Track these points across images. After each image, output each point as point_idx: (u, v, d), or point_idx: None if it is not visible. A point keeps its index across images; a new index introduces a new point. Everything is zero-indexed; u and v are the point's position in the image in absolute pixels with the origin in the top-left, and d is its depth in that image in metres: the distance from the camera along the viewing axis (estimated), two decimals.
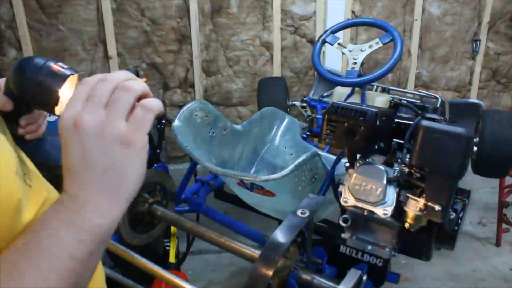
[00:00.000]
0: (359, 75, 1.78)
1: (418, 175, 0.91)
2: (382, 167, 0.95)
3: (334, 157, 1.46)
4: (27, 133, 0.66)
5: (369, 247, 0.99)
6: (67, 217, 0.39)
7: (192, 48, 2.42)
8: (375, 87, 2.09)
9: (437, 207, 0.86)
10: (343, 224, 1.01)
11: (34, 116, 0.67)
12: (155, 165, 1.55)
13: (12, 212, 0.41)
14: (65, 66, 0.57)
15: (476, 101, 2.10)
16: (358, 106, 0.97)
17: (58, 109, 0.56)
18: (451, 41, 2.62)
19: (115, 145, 0.39)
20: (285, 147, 1.79)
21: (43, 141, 0.72)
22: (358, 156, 1.02)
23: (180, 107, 1.61)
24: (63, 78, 0.55)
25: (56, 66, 0.57)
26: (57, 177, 0.45)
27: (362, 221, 1.01)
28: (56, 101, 0.55)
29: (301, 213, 0.90)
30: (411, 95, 2.07)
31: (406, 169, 0.92)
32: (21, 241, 0.39)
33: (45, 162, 0.68)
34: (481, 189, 2.43)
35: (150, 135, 1.83)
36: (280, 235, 0.83)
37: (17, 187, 0.42)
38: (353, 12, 2.49)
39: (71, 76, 0.56)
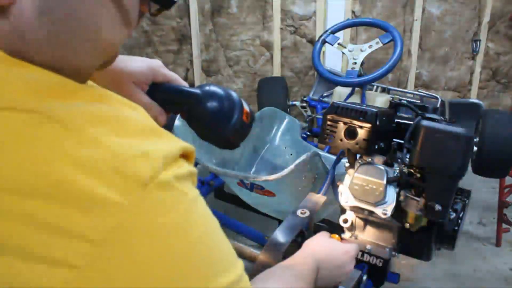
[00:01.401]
0: (359, 75, 1.77)
1: (418, 175, 0.91)
2: (382, 167, 0.95)
3: (334, 157, 1.45)
4: None
5: (369, 247, 0.99)
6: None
7: (192, 48, 2.42)
8: (375, 87, 2.10)
9: (437, 207, 0.86)
10: (343, 224, 1.01)
11: None
12: None
13: None
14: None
15: (476, 101, 2.10)
16: (358, 106, 0.96)
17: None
18: (451, 41, 2.62)
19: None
20: (285, 147, 1.79)
21: None
22: (358, 156, 1.02)
23: None
24: (250, 125, 0.57)
25: (246, 108, 0.57)
26: None
27: (362, 221, 1.01)
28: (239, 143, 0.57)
29: (301, 213, 0.90)
30: (411, 95, 2.07)
31: (406, 169, 0.92)
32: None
33: None
34: (481, 189, 2.43)
35: None
36: (280, 235, 0.84)
37: None
38: (353, 12, 2.49)
39: None
